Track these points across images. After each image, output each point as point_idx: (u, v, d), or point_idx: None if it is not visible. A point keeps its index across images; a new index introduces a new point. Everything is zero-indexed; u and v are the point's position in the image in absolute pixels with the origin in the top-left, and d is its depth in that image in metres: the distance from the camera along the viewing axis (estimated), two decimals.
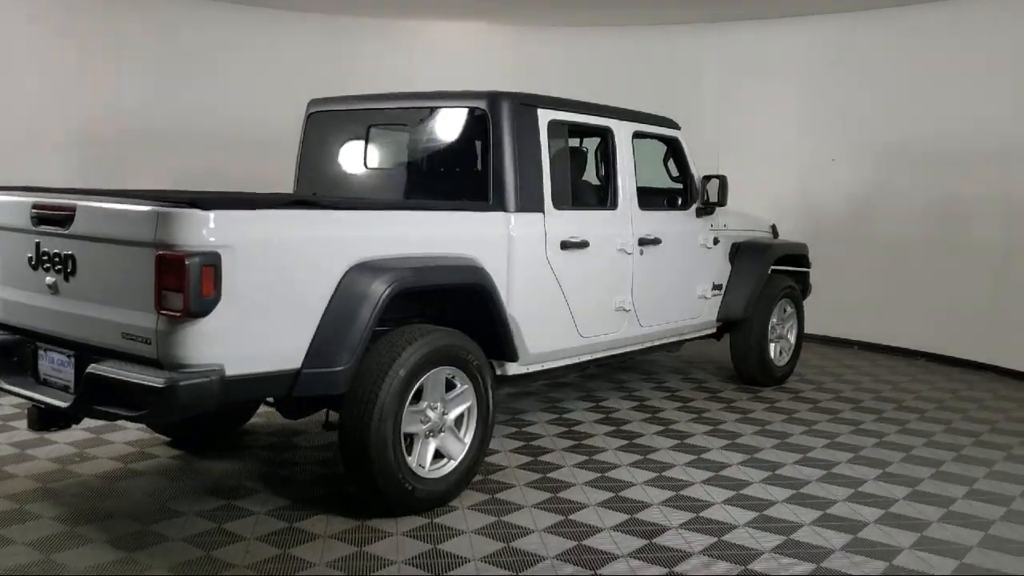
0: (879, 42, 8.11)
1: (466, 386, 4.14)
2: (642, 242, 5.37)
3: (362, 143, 5.11)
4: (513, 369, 4.66)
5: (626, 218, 5.29)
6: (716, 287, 6.23)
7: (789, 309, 6.85)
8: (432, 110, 4.88)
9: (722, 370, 7.04)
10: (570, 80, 8.38)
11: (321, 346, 3.64)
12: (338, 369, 3.66)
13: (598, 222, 5.11)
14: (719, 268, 6.26)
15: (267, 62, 8.50)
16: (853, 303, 8.35)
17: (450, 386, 4.12)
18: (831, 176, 8.39)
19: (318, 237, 3.67)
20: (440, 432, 4.08)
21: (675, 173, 6.06)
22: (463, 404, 4.16)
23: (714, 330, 6.51)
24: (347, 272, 3.72)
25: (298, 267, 3.59)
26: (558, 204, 4.78)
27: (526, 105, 4.66)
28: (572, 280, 4.86)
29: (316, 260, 3.66)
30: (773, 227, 7.19)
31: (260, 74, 8.43)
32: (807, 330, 8.46)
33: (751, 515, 4.09)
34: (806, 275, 7.13)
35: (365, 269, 3.76)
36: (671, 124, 5.90)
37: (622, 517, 4.02)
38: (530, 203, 4.61)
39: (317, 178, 5.30)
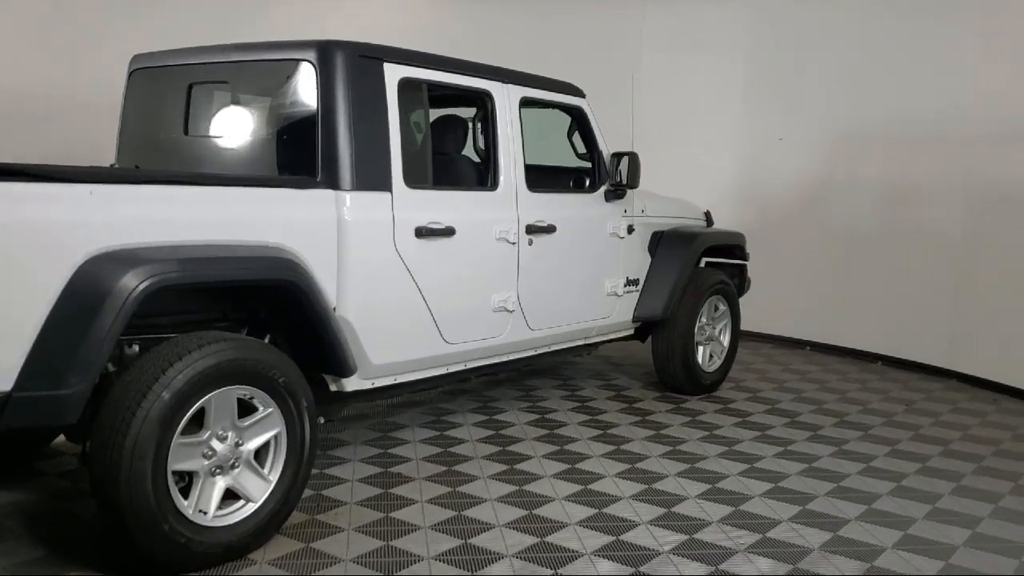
0: (830, 17, 7.26)
1: (270, 409, 3.28)
2: (531, 230, 4.51)
3: (184, 105, 4.22)
4: (353, 384, 3.80)
5: (509, 201, 4.42)
6: (631, 282, 5.38)
7: (721, 307, 6.01)
8: (257, 64, 4.00)
9: (650, 374, 6.20)
10: (490, 55, 7.48)
11: (41, 362, 2.77)
12: (65, 392, 2.79)
13: (469, 205, 4.24)
14: (635, 260, 5.41)
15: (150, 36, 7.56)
16: (804, 299, 7.52)
17: (250, 409, 3.26)
18: (778, 159, 7.55)
19: (35, 219, 2.79)
20: (233, 468, 3.22)
21: (582, 149, 5.20)
22: (267, 432, 3.30)
23: (631, 331, 5.66)
24: (82, 264, 2.85)
25: (5, 257, 2.72)
26: (413, 182, 3.92)
27: (368, 58, 3.78)
28: (432, 275, 4.00)
29: (34, 249, 2.78)
30: (707, 214, 6.35)
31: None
32: (752, 329, 7.68)
33: (628, 571, 3.26)
34: (743, 268, 6.28)
35: (108, 261, 2.88)
36: (573, 91, 5.02)
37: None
38: (372, 180, 3.74)
39: (139, 147, 4.41)
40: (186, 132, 4.21)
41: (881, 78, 6.90)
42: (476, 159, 4.80)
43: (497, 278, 4.37)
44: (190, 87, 4.19)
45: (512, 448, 4.59)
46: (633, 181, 4.99)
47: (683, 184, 6.85)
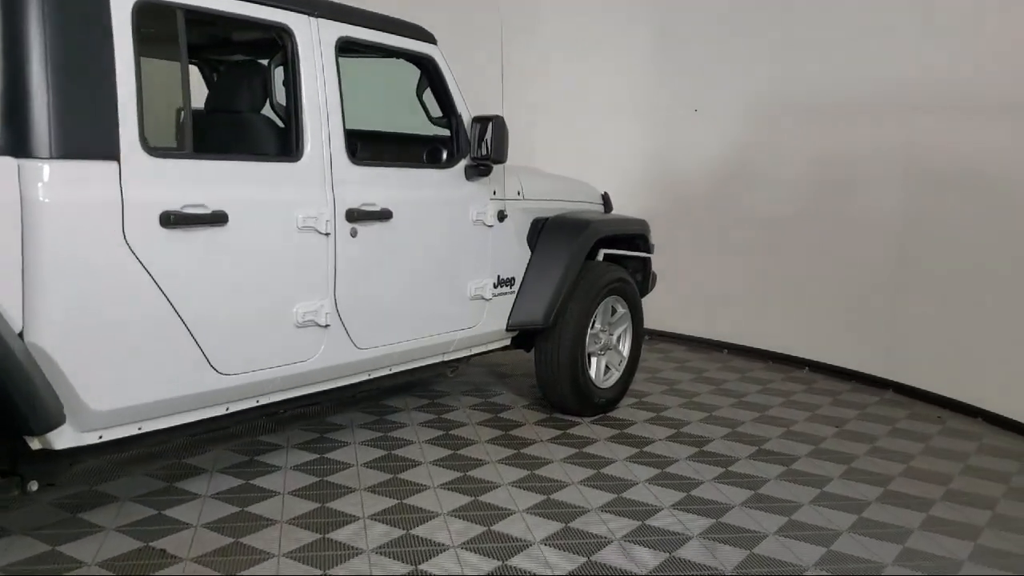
0: None
1: None
2: (356, 216, 3.39)
3: None
4: (65, 440, 2.64)
5: (319, 176, 3.29)
6: (504, 282, 4.30)
7: (620, 309, 4.96)
8: None
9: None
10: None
11: None
12: None
13: (256, 181, 3.09)
14: (509, 255, 4.33)
15: None
16: (722, 296, 6.54)
17: None
18: (694, 133, 6.52)
19: None
20: None
21: (438, 113, 4.08)
22: None
23: (507, 341, 4.58)
24: None
25: None
26: (158, 148, 2.76)
27: None
28: (192, 280, 2.86)
29: None
30: (604, 197, 5.29)
31: None
32: (664, 329, 6.70)
33: None
34: (646, 263, 5.25)
35: None
36: (418, 33, 3.89)
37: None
38: (87, 144, 2.59)
39: None
40: None
41: (814, 43, 5.91)
42: (280, 122, 3.64)
43: (301, 282, 3.24)
44: None
45: (331, 502, 3.47)
46: (498, 153, 3.89)
47: (576, 161, 5.80)
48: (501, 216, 4.19)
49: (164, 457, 3.86)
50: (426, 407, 4.84)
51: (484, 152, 3.87)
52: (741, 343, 6.52)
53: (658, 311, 6.49)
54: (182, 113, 2.91)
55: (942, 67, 5.23)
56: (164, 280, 2.76)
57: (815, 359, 6.10)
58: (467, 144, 3.93)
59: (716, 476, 4.01)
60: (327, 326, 3.33)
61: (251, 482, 3.64)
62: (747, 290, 6.37)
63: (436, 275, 3.85)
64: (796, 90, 6.01)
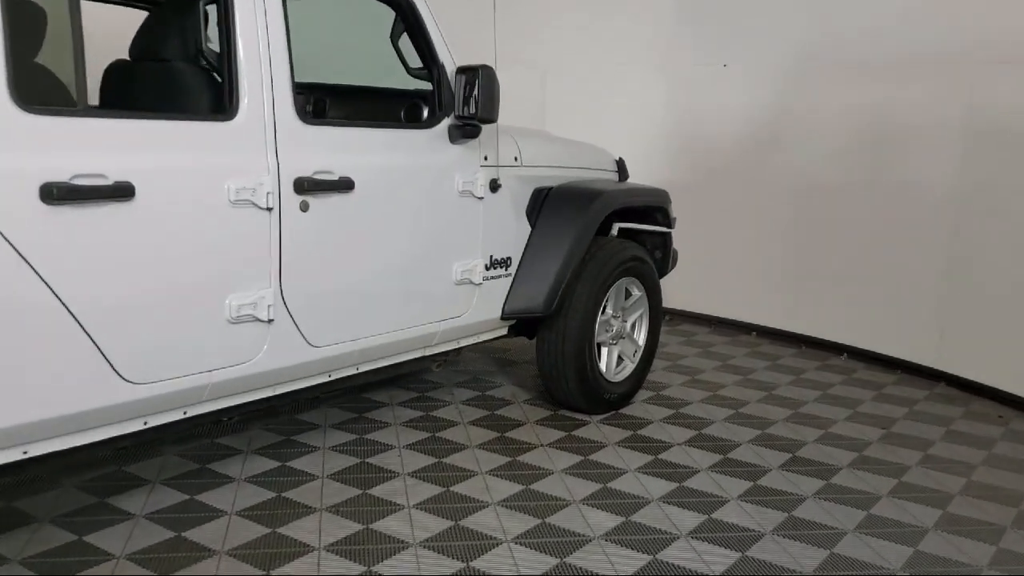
0: None
1: None
2: (307, 186, 2.80)
3: None
4: None
5: (259, 137, 2.69)
6: (499, 263, 3.70)
7: (636, 292, 4.35)
8: None
9: None
10: None
11: None
12: None
13: (174, 145, 2.50)
14: (505, 231, 3.72)
15: None
16: (751, 273, 5.89)
17: None
18: (722, 92, 5.83)
19: None
20: None
21: (418, 64, 3.45)
22: None
23: (503, 331, 3.99)
24: None
25: None
26: (34, 101, 2.17)
27: None
28: (86, 269, 2.29)
29: None
30: (619, 163, 4.65)
31: None
32: (687, 308, 6.09)
33: None
34: (667, 238, 4.61)
35: None
36: None
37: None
38: None
39: None
40: None
41: None
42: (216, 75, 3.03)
43: (234, 269, 2.66)
44: None
45: (284, 523, 2.92)
46: (487, 110, 3.26)
47: (588, 125, 5.15)
48: (494, 186, 3.58)
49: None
50: (413, 402, 4.26)
51: (470, 109, 3.25)
52: (771, 325, 5.88)
53: (680, 289, 5.89)
54: (74, 60, 2.31)
55: (1008, 15, 4.51)
56: (47, 270, 2.19)
57: (855, 345, 5.45)
58: (451, 100, 3.31)
59: (742, 493, 3.41)
60: (270, 321, 2.75)
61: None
62: (779, 267, 5.72)
63: (411, 257, 3.25)
64: (840, 43, 5.29)
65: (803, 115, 5.49)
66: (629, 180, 4.69)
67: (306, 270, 2.84)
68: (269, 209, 2.69)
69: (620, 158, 4.64)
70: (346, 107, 3.67)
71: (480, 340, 3.81)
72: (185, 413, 2.66)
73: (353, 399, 4.23)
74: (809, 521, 3.20)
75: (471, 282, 3.53)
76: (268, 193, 2.67)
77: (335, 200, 2.89)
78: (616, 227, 4.37)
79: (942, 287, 4.93)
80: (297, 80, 2.84)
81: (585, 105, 6.32)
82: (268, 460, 3.48)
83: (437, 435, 3.86)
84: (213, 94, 2.72)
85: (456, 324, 3.53)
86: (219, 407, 2.76)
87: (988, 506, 3.42)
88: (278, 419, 3.92)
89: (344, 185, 2.91)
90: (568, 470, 3.55)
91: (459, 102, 3.27)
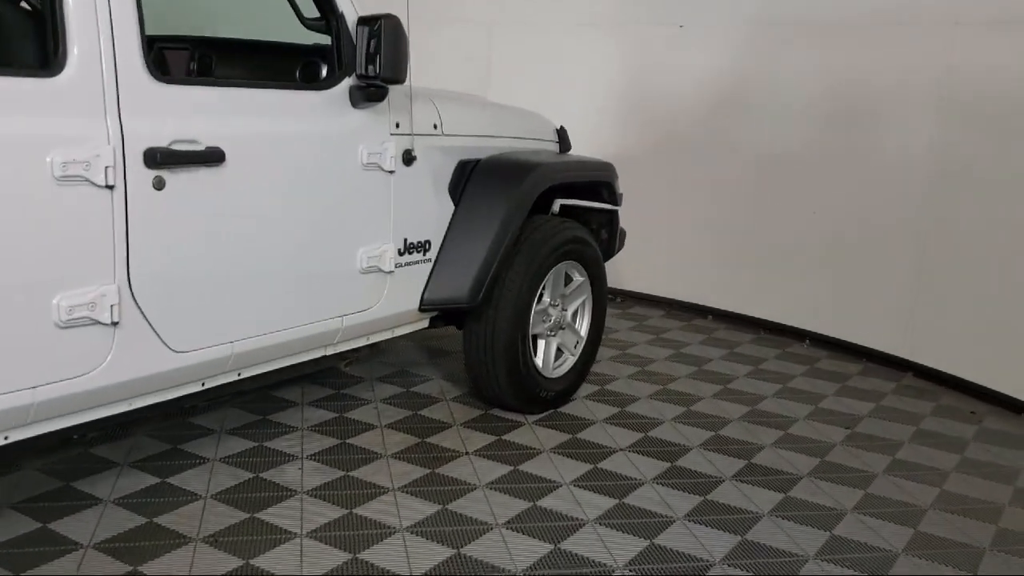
0: None
1: None
2: (159, 158, 2.29)
3: None
4: None
5: (95, 97, 2.17)
6: (415, 247, 3.22)
7: (577, 277, 3.89)
8: None
9: None
10: None
11: None
12: None
13: None
14: (422, 210, 3.24)
15: None
16: (707, 251, 5.47)
17: None
18: (678, 55, 5.36)
19: None
20: None
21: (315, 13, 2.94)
22: None
23: (423, 323, 3.52)
24: None
25: None
26: None
27: None
28: None
29: None
30: (560, 133, 4.17)
31: None
32: (639, 290, 5.67)
33: None
34: (612, 217, 4.16)
35: None
36: None
37: None
38: None
39: None
40: None
41: None
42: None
43: (66, 260, 2.15)
44: None
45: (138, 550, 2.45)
46: (392, 68, 2.76)
47: (540, 90, 4.67)
48: (408, 158, 3.09)
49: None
50: (327, 401, 3.79)
51: (372, 68, 2.74)
52: (729, 309, 5.46)
53: (632, 269, 5.46)
54: None
55: None
56: None
57: (817, 331, 5.06)
58: (352, 56, 2.80)
59: (689, 512, 2.99)
60: (115, 324, 2.25)
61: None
62: (739, 246, 5.29)
63: (302, 242, 2.76)
64: (807, 1, 4.84)
65: (766, 81, 5.04)
66: (572, 152, 4.22)
67: (163, 260, 2.34)
68: (110, 187, 2.18)
69: (561, 127, 4.16)
70: (236, 65, 3.15)
71: (395, 335, 3.33)
72: (6, 438, 2.16)
73: (259, 398, 3.75)
74: (765, 546, 2.79)
75: (380, 270, 3.05)
76: (108, 167, 2.16)
77: (201, 175, 2.39)
78: (558, 204, 3.92)
79: (912, 271, 4.53)
80: (177, 33, 2.33)
81: (534, 68, 5.82)
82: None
83: (348, 442, 3.39)
84: (35, 42, 2.19)
85: (363, 318, 3.04)
86: (54, 428, 2.26)
87: (964, 523, 3.03)
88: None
89: (212, 157, 2.40)
90: (494, 484, 3.11)
91: (360, 59, 2.76)
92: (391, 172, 3.01)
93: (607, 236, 4.18)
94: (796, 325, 5.15)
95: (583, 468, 3.28)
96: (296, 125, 2.68)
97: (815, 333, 5.06)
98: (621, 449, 3.47)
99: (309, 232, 2.75)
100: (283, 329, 2.73)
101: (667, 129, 5.44)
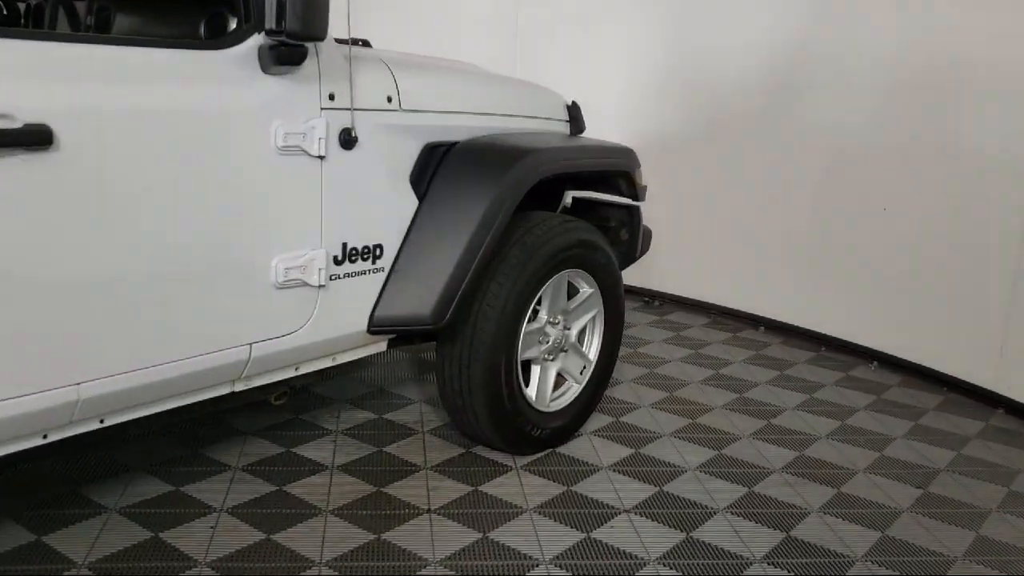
0: None
1: None
2: None
3: None
4: None
5: None
6: (360, 253, 2.53)
7: (586, 289, 3.17)
8: None
9: None
10: None
11: None
12: None
13: None
14: (370, 206, 2.54)
15: None
16: (760, 255, 4.67)
17: None
18: (731, 18, 4.55)
19: None
20: None
21: None
22: None
23: (378, 347, 2.82)
24: None
25: None
26: None
27: None
28: None
29: None
30: (572, 110, 3.42)
31: None
32: (679, 293, 4.95)
33: None
34: (633, 214, 3.41)
35: None
36: None
37: None
38: None
39: None
40: None
41: None
42: None
43: None
44: None
45: None
46: (306, 23, 2.06)
47: (571, 60, 3.93)
48: (346, 140, 2.39)
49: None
50: (276, 431, 3.15)
51: (280, 21, 2.05)
52: (784, 320, 4.67)
53: (674, 269, 4.72)
54: None
55: None
56: None
57: (886, 351, 4.24)
58: (260, 7, 2.11)
59: None
60: None
61: None
62: (799, 247, 4.49)
63: (181, 252, 2.07)
64: None
65: (836, 49, 4.20)
66: (588, 135, 3.48)
67: None
68: None
69: (573, 103, 3.41)
70: (133, 18, 2.49)
71: (338, 362, 2.65)
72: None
73: (194, 422, 3.13)
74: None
75: (306, 283, 2.37)
76: None
77: (16, 164, 1.74)
78: (569, 197, 3.20)
79: (1007, 289, 3.68)
80: None
81: (566, 34, 5.08)
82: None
83: (286, 488, 2.74)
84: None
85: (282, 346, 2.37)
86: None
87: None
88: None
89: (35, 137, 1.75)
90: (454, 559, 2.42)
91: (270, 8, 2.07)
92: (321, 158, 2.32)
93: (628, 236, 3.44)
94: (862, 343, 4.33)
95: (574, 537, 2.57)
96: (176, 96, 2.01)
97: (884, 354, 4.24)
98: (626, 510, 2.75)
99: (192, 239, 2.08)
100: (158, 364, 2.07)
101: (711, 108, 4.64)
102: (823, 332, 4.49)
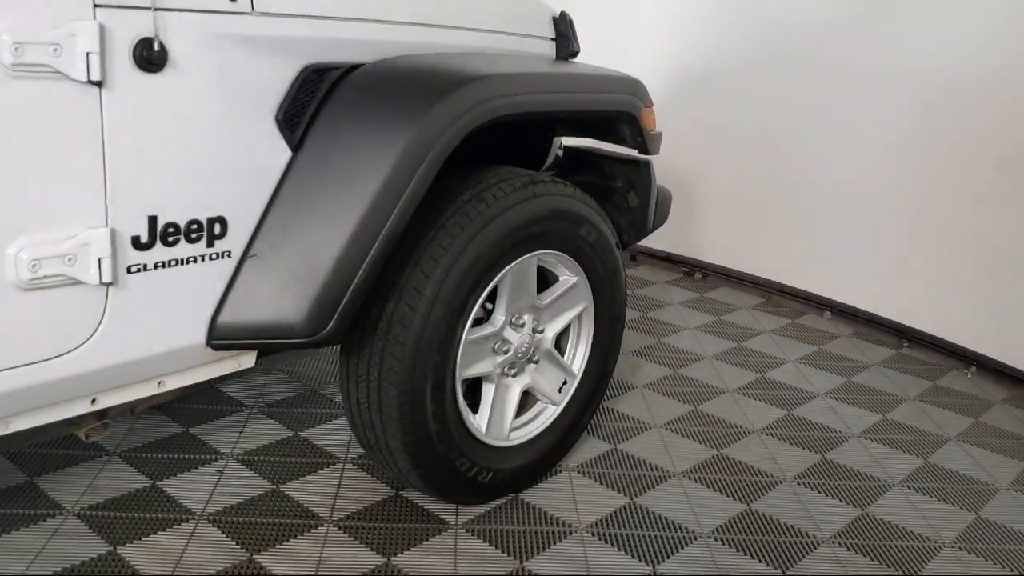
0: None
1: None
2: None
3: None
4: None
5: None
6: (183, 231, 1.66)
7: (567, 278, 2.26)
8: None
9: None
10: None
11: None
12: None
13: None
14: (195, 160, 1.65)
15: None
16: (837, 225, 3.68)
17: None
18: None
19: None
20: None
21: None
22: None
23: (249, 360, 1.96)
24: None
25: None
26: None
27: None
28: None
29: None
30: (559, 23, 2.46)
31: None
32: (711, 261, 4.03)
33: None
34: (643, 172, 2.46)
35: None
36: None
37: None
38: None
39: None
40: None
41: None
42: None
43: None
44: None
45: None
46: None
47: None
48: (147, 55, 1.51)
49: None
50: (147, 451, 2.36)
51: None
52: (856, 304, 3.69)
53: (724, 237, 3.80)
54: None
55: None
56: None
57: (989, 354, 3.24)
58: None
59: None
60: None
61: None
62: (879, 217, 3.48)
63: None
64: None
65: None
66: (582, 62, 2.52)
67: None
68: None
69: (562, 13, 2.44)
70: None
71: (166, 389, 1.81)
72: None
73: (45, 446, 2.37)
74: None
75: (77, 280, 1.52)
76: None
77: None
78: (558, 143, 2.30)
79: None
80: None
81: None
82: None
83: (119, 551, 1.95)
84: None
85: (45, 374, 1.53)
86: None
87: None
88: None
89: None
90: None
91: None
92: (96, 84, 1.45)
93: (637, 203, 2.50)
94: (955, 340, 3.34)
95: None
96: None
97: (983, 356, 3.24)
98: None
99: None
100: None
101: (774, 45, 3.62)
102: (907, 323, 3.50)
